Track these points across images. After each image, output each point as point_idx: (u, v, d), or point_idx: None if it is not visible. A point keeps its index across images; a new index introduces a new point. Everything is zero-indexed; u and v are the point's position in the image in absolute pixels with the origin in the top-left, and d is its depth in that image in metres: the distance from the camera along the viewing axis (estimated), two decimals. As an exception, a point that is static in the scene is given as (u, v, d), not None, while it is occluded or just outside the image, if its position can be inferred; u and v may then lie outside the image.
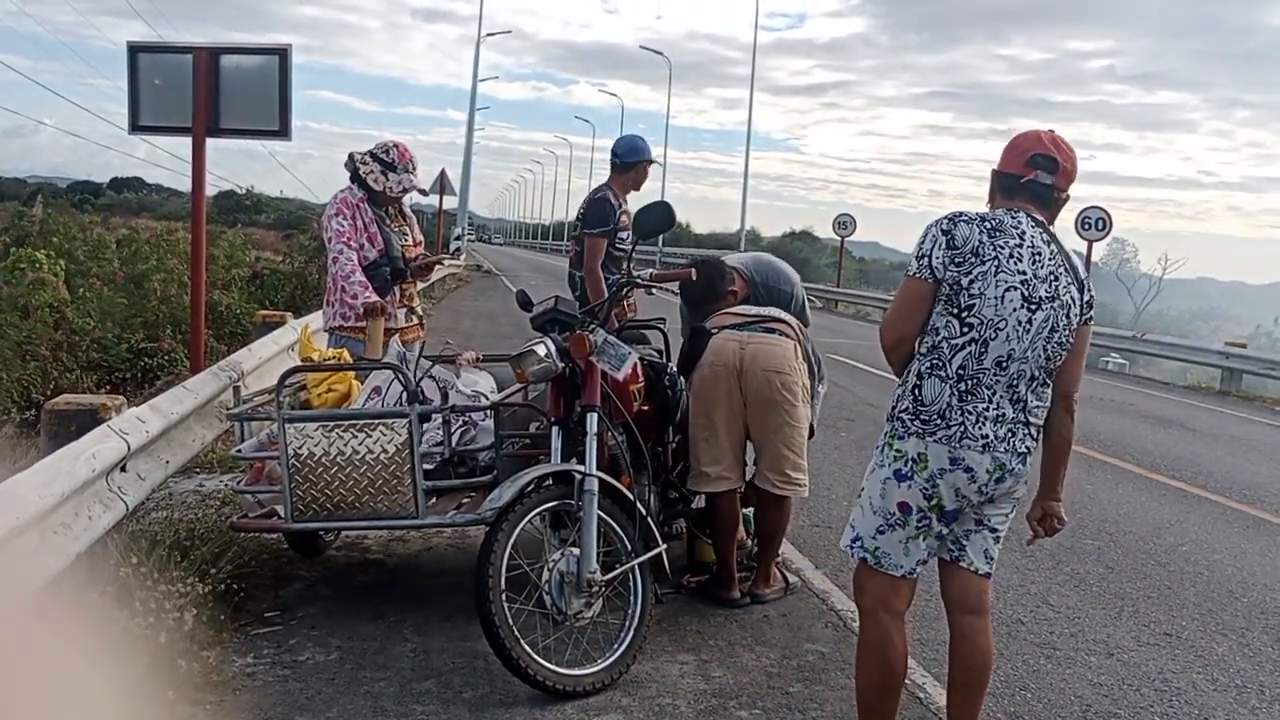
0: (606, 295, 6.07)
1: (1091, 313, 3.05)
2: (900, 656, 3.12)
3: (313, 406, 4.51)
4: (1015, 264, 2.89)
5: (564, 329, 4.11)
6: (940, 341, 2.94)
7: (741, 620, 4.48)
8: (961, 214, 2.98)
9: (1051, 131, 3.07)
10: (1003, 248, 2.90)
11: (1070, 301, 2.97)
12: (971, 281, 2.88)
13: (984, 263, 2.88)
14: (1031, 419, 3.00)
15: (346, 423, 3.94)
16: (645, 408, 4.53)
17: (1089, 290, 3.04)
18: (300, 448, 3.89)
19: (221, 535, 4.48)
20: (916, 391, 2.97)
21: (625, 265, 5.87)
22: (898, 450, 2.99)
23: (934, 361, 2.96)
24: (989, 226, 2.93)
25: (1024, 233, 2.94)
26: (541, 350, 3.98)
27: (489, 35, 56.87)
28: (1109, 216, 20.86)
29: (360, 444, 3.90)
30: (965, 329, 2.90)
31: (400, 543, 5.16)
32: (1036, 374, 2.97)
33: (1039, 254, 2.93)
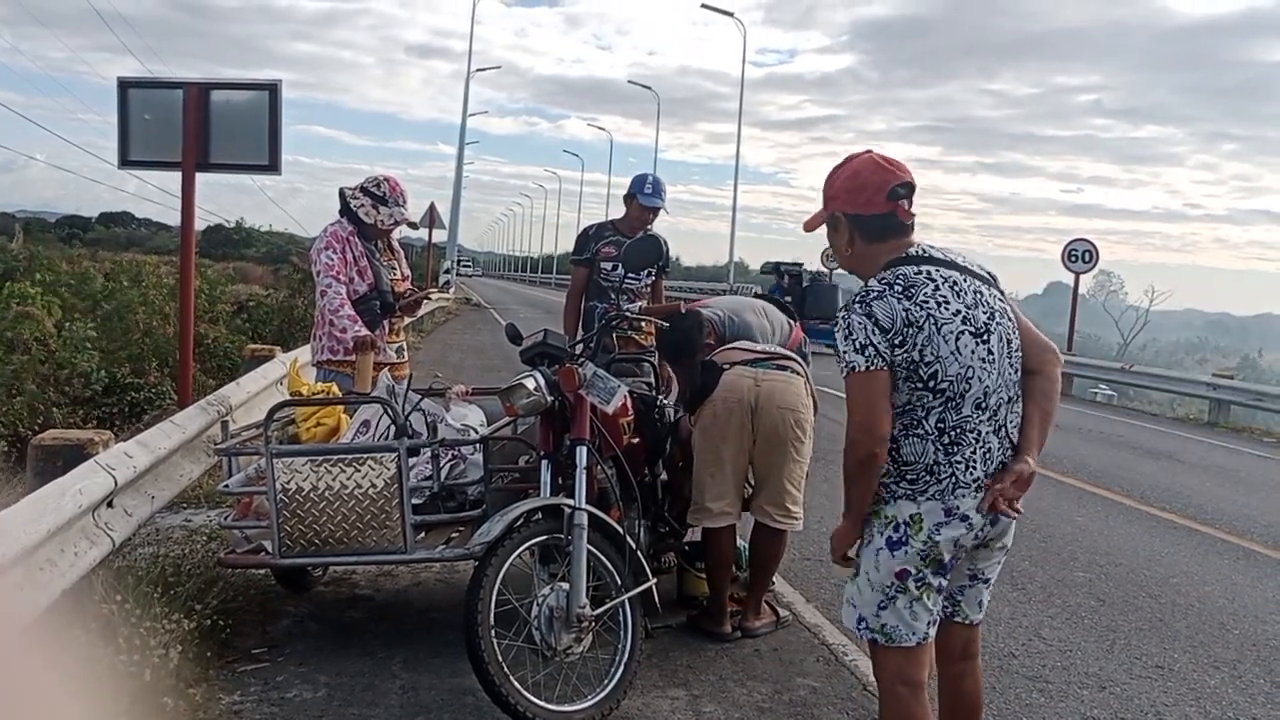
0: (575, 325, 6.13)
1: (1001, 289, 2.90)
2: None
3: (301, 441, 4.50)
4: (947, 308, 2.72)
5: (553, 362, 4.11)
6: (912, 406, 2.77)
7: (732, 654, 4.46)
8: (867, 292, 2.75)
9: (870, 153, 2.88)
10: (926, 301, 2.72)
11: (1001, 306, 2.84)
12: (923, 351, 2.70)
13: (922, 328, 2.69)
14: (1015, 441, 2.84)
15: (335, 457, 3.92)
16: (635, 441, 4.53)
17: (995, 276, 2.89)
18: (288, 482, 3.87)
19: (208, 571, 4.45)
20: (894, 454, 2.76)
21: (614, 297, 5.90)
22: (887, 517, 2.79)
23: (906, 423, 2.77)
24: (899, 289, 2.73)
25: (928, 273, 2.76)
26: (530, 384, 3.97)
27: (479, 70, 57.32)
28: (1096, 249, 21.04)
29: (349, 478, 3.88)
30: (937, 395, 2.73)
31: (389, 578, 5.13)
32: (1012, 395, 2.83)
33: (954, 284, 2.77)
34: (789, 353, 4.72)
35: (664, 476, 4.98)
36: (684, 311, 5.09)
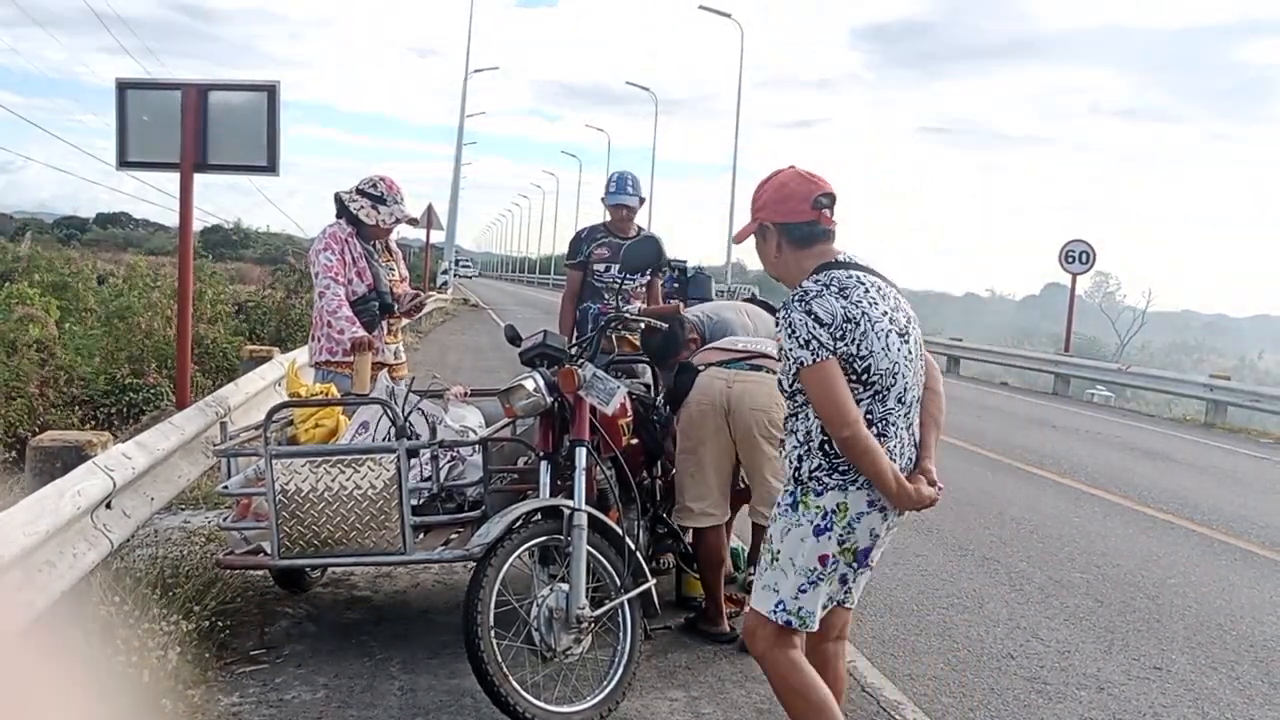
0: (570, 328, 6.13)
1: None
2: (815, 676, 3.01)
3: (300, 442, 4.49)
4: (876, 309, 2.88)
5: (552, 363, 4.11)
6: None
7: (731, 656, 4.45)
8: (805, 291, 2.89)
9: (793, 167, 3.06)
10: (860, 300, 2.87)
11: (912, 314, 3.03)
12: (860, 345, 2.84)
13: (859, 324, 2.85)
14: (916, 436, 3.03)
15: (334, 458, 3.92)
16: (634, 442, 4.52)
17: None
18: (287, 483, 3.87)
19: (207, 572, 4.45)
20: (826, 448, 2.90)
21: (611, 299, 5.91)
22: (817, 507, 2.92)
23: None
24: (835, 290, 2.88)
25: (858, 277, 2.92)
26: (530, 385, 3.97)
27: (477, 71, 57.38)
28: (1093, 249, 21.06)
29: (348, 479, 3.88)
30: (868, 388, 2.88)
31: (387, 579, 5.13)
32: (920, 395, 3.02)
33: (879, 288, 2.94)
34: (767, 350, 4.69)
35: (661, 480, 4.98)
36: (681, 312, 5.10)
